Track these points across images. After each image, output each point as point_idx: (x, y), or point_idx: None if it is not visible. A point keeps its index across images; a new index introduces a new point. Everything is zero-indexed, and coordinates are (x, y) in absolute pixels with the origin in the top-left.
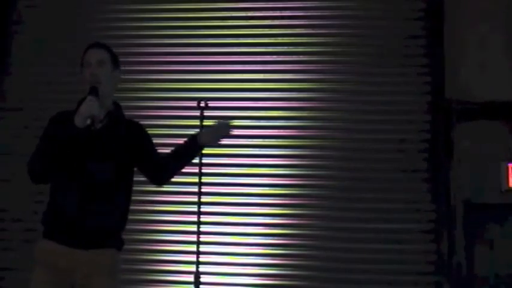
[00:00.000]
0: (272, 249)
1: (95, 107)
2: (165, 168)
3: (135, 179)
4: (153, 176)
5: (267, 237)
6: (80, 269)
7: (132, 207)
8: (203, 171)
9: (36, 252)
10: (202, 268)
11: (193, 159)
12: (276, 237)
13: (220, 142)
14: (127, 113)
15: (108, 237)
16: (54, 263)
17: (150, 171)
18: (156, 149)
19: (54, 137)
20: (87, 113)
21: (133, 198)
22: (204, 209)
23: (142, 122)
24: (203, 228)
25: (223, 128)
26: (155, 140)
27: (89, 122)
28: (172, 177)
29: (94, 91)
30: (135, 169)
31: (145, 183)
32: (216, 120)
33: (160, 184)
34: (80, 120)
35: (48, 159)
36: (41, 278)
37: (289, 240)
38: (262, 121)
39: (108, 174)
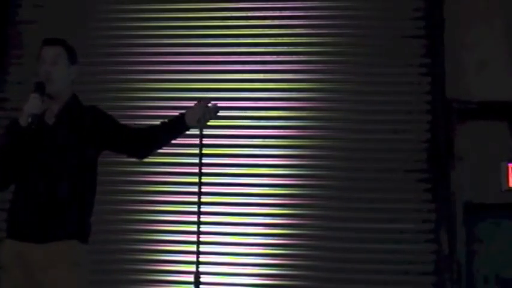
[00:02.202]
0: (272, 249)
1: (36, 104)
2: (144, 140)
3: (134, 179)
4: (129, 150)
5: (267, 237)
6: (38, 264)
7: (132, 207)
8: (203, 171)
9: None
10: (202, 268)
11: (177, 137)
12: (276, 237)
13: (205, 124)
14: (127, 113)
15: (64, 229)
16: (18, 261)
17: (124, 146)
18: (124, 124)
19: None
20: (28, 111)
21: (133, 198)
22: (204, 209)
23: (142, 122)
24: (203, 228)
25: (210, 111)
26: None
27: (29, 120)
28: (152, 150)
29: (39, 88)
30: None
31: (145, 183)
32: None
33: (140, 157)
34: (23, 119)
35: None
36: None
37: (289, 240)
38: (262, 121)
39: (62, 166)
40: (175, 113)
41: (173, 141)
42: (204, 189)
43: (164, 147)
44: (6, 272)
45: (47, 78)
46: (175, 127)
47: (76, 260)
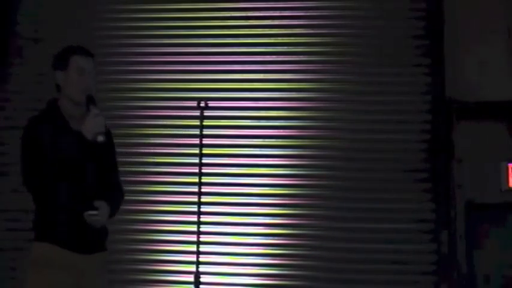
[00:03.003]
0: (272, 249)
1: (103, 122)
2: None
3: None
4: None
5: (267, 237)
6: (84, 272)
7: (132, 207)
8: (203, 171)
9: (41, 254)
10: (202, 268)
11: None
12: (276, 237)
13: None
14: (128, 113)
15: (104, 240)
16: (64, 266)
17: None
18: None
19: (58, 152)
20: (98, 129)
21: (133, 198)
22: (204, 209)
23: (142, 122)
24: (203, 228)
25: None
26: (155, 140)
27: (102, 138)
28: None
29: (93, 101)
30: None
31: (145, 183)
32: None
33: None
34: (90, 135)
35: (54, 174)
36: (56, 280)
37: (289, 240)
38: (262, 121)
39: (98, 177)
40: (175, 112)
41: (173, 141)
42: (204, 189)
43: (162, 149)
44: (43, 273)
45: (91, 90)
46: None
47: (106, 268)
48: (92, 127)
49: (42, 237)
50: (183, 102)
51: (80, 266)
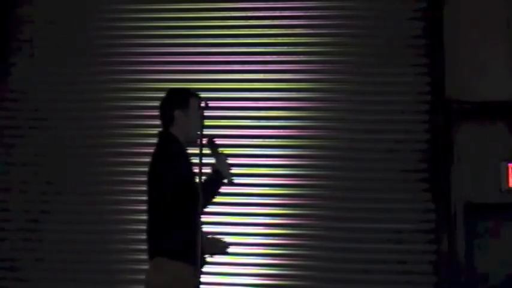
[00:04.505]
0: (272, 249)
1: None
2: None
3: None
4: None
5: (267, 237)
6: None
7: (132, 207)
8: (203, 171)
9: (182, 275)
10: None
11: None
12: (276, 237)
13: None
14: (128, 113)
15: None
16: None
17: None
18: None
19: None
20: (229, 169)
21: (132, 198)
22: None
23: (142, 122)
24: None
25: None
26: (155, 140)
27: (233, 179)
28: None
29: (217, 145)
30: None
31: (143, 183)
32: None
33: None
34: (227, 174)
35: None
36: None
37: (289, 240)
38: (262, 121)
39: None
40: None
41: None
42: None
43: None
44: None
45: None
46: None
47: None
48: (225, 168)
49: (178, 257)
50: None
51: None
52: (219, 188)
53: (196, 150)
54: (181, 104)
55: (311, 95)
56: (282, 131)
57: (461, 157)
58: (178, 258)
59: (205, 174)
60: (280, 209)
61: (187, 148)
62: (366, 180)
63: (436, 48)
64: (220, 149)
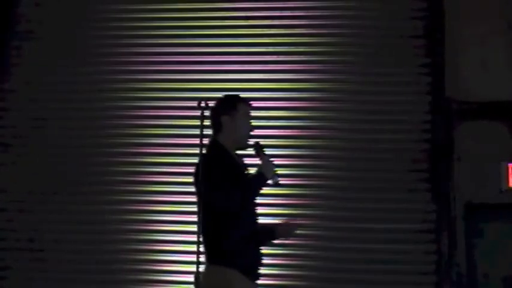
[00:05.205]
0: (272, 249)
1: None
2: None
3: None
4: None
5: None
6: None
7: (132, 207)
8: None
9: (230, 280)
10: (202, 268)
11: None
12: None
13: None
14: (128, 113)
15: None
16: None
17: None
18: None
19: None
20: (274, 172)
21: (133, 198)
22: None
23: (142, 122)
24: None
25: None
26: (155, 140)
27: (278, 180)
28: None
29: (263, 149)
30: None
31: (145, 183)
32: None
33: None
34: (272, 176)
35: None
36: None
37: (289, 240)
38: (262, 121)
39: None
40: (175, 112)
41: (173, 141)
42: None
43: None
44: None
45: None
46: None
47: None
48: (270, 169)
49: (229, 264)
50: (183, 102)
51: None
52: (261, 189)
53: (196, 150)
54: (228, 110)
55: (311, 95)
56: (282, 131)
57: (461, 157)
58: (229, 265)
59: (251, 175)
60: (280, 209)
61: (237, 153)
62: (366, 180)
63: (436, 48)
64: (266, 151)
